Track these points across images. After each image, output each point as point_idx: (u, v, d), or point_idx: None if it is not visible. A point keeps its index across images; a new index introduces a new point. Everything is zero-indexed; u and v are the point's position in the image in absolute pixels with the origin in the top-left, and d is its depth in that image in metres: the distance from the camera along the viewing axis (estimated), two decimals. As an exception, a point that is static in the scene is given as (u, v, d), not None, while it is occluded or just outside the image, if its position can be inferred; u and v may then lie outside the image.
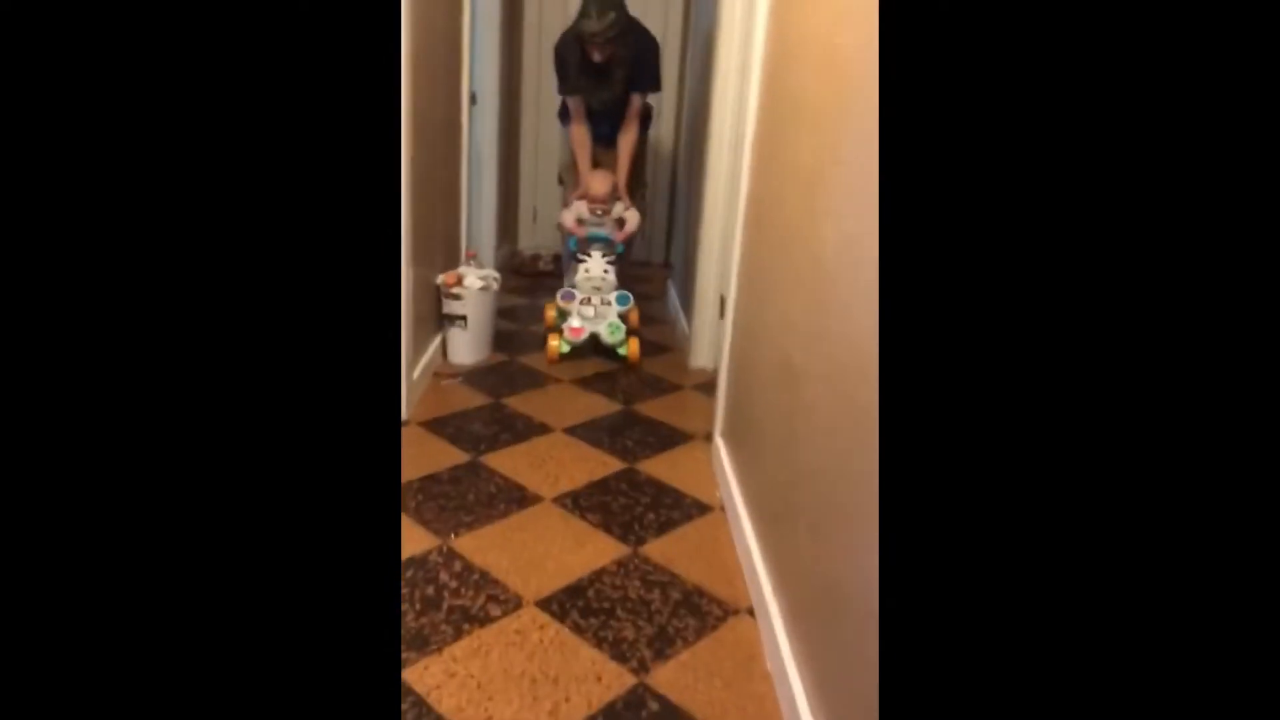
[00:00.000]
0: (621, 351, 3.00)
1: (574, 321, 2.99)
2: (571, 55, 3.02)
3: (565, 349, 2.99)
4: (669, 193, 4.59)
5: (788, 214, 1.62)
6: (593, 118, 3.21)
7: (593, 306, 2.99)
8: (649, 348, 3.21)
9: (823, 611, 1.25)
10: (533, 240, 4.68)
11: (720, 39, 2.75)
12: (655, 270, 4.53)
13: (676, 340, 3.35)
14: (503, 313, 3.54)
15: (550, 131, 4.48)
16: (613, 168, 3.20)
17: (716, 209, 2.81)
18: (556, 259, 4.14)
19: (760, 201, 1.93)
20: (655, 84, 3.16)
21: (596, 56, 2.92)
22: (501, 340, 3.16)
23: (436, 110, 2.68)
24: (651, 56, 3.08)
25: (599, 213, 3.08)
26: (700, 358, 3.05)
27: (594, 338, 2.98)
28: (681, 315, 3.39)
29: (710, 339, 2.94)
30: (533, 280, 4.18)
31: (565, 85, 3.13)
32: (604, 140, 3.25)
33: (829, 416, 1.26)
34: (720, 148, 2.78)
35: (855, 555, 1.09)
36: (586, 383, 2.86)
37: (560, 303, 3.02)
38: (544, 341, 3.12)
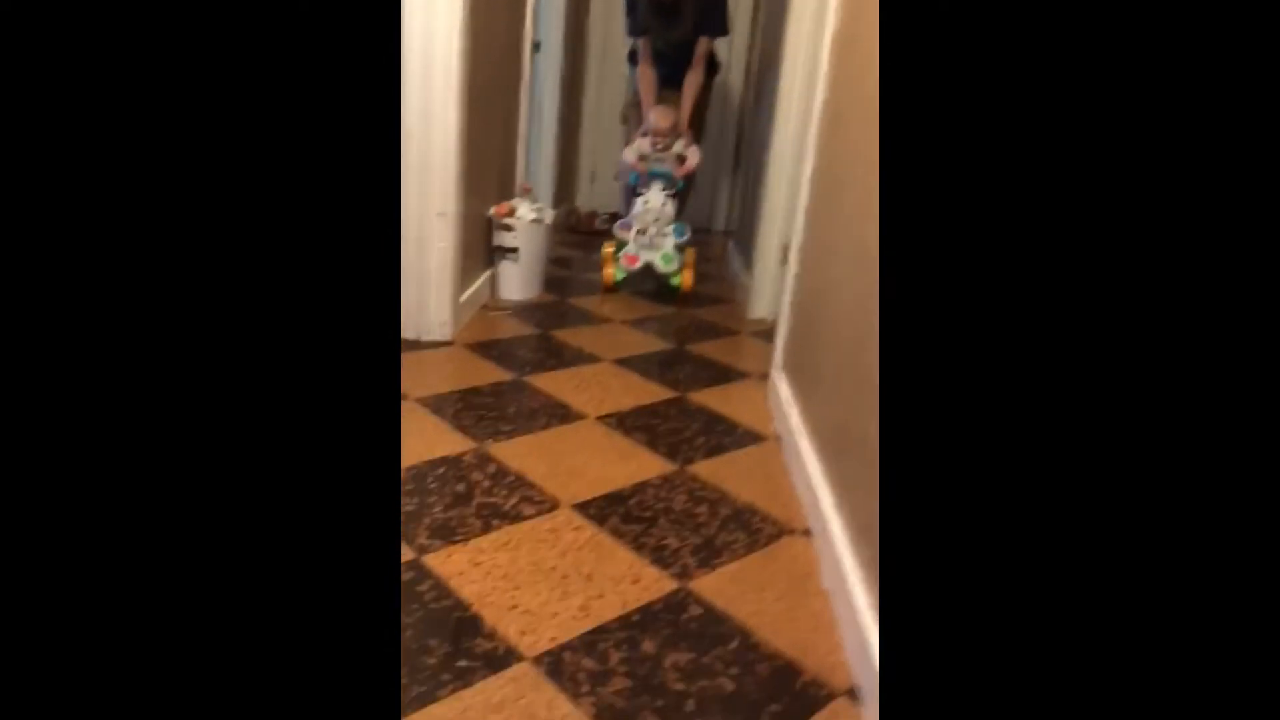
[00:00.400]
0: (675, 281, 3.01)
1: (630, 249, 2.99)
2: None
3: (620, 275, 3.02)
4: (733, 160, 4.45)
5: (861, 146, 1.47)
6: (659, 60, 3.26)
7: (648, 236, 2.98)
8: (706, 299, 3.12)
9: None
10: (589, 202, 4.57)
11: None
12: (717, 237, 4.40)
13: (736, 294, 3.22)
14: (557, 261, 3.47)
15: (613, 88, 4.39)
16: (677, 106, 3.21)
17: (784, 159, 2.67)
18: (613, 217, 4.05)
19: (826, 169, 1.78)
20: (723, 28, 3.20)
21: None
22: (554, 284, 3.06)
23: (494, 52, 2.59)
24: (719, 1, 3.14)
25: (660, 147, 3.06)
26: (760, 308, 2.90)
27: (649, 268, 2.99)
28: (742, 270, 3.28)
29: (771, 290, 2.80)
30: (588, 237, 4.08)
31: (635, 25, 3.20)
32: (670, 82, 3.28)
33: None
34: (790, 97, 2.63)
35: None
36: (640, 324, 2.73)
37: (618, 232, 3.03)
38: (598, 286, 3.09)
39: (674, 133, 3.09)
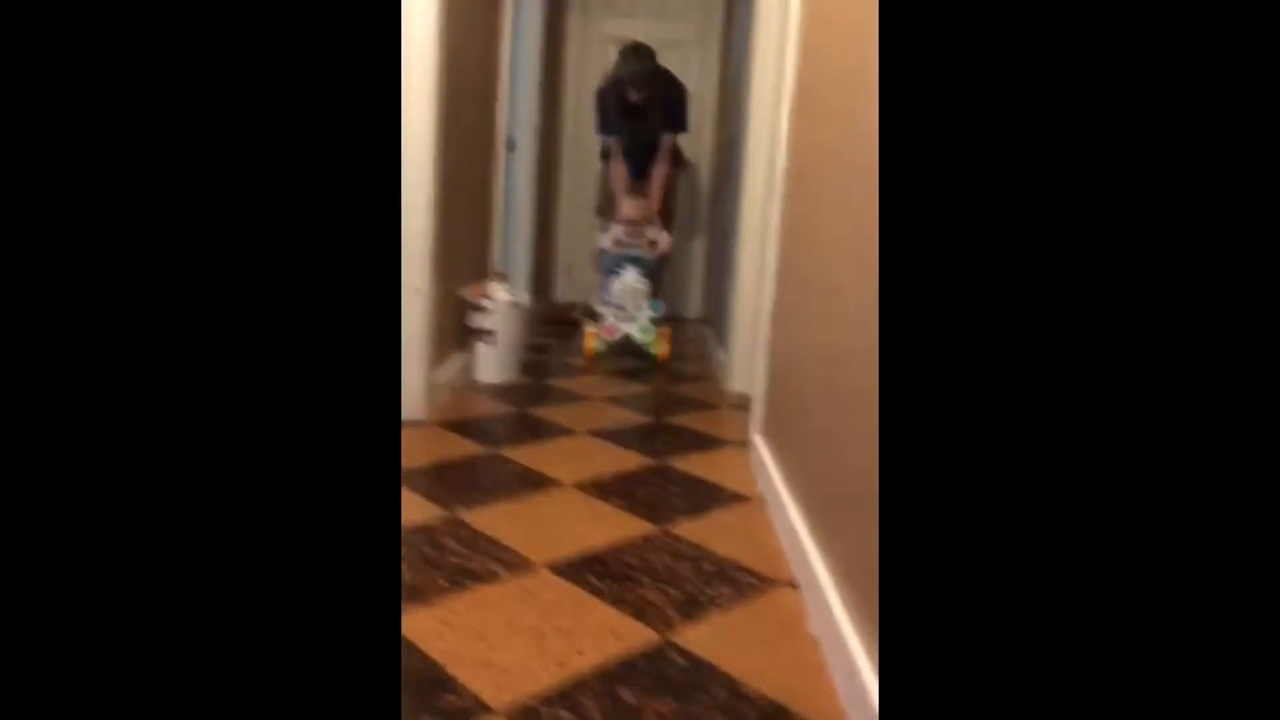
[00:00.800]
0: (653, 351, 3.25)
1: (609, 322, 3.26)
2: (611, 99, 3.45)
3: (601, 347, 3.26)
4: (705, 250, 4.55)
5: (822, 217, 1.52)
6: (628, 157, 3.55)
7: (626, 311, 3.26)
8: (684, 377, 3.14)
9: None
10: (566, 294, 4.63)
11: (753, 90, 2.75)
12: (691, 324, 4.44)
13: (713, 372, 3.23)
14: (534, 348, 3.48)
15: (585, 187, 4.52)
16: (647, 198, 3.47)
17: (752, 231, 2.73)
18: (589, 311, 4.12)
19: (791, 232, 1.84)
20: (683, 125, 3.56)
21: (633, 96, 3.33)
22: (531, 369, 3.06)
23: (468, 145, 2.68)
24: (680, 101, 3.49)
25: (633, 233, 3.37)
26: (737, 382, 2.89)
27: (627, 340, 3.24)
28: (717, 349, 3.31)
29: (746, 364, 2.79)
30: (565, 326, 4.11)
31: (605, 124, 3.55)
32: (639, 175, 3.56)
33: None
34: (754, 166, 2.72)
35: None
36: (618, 400, 2.71)
37: (598, 307, 3.34)
38: (576, 370, 3.13)
39: (645, 221, 3.39)
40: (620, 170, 3.55)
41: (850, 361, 1.27)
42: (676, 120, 3.49)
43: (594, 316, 3.37)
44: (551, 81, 4.31)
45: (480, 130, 2.86)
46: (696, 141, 4.41)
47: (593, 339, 3.25)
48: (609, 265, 3.40)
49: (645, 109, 3.39)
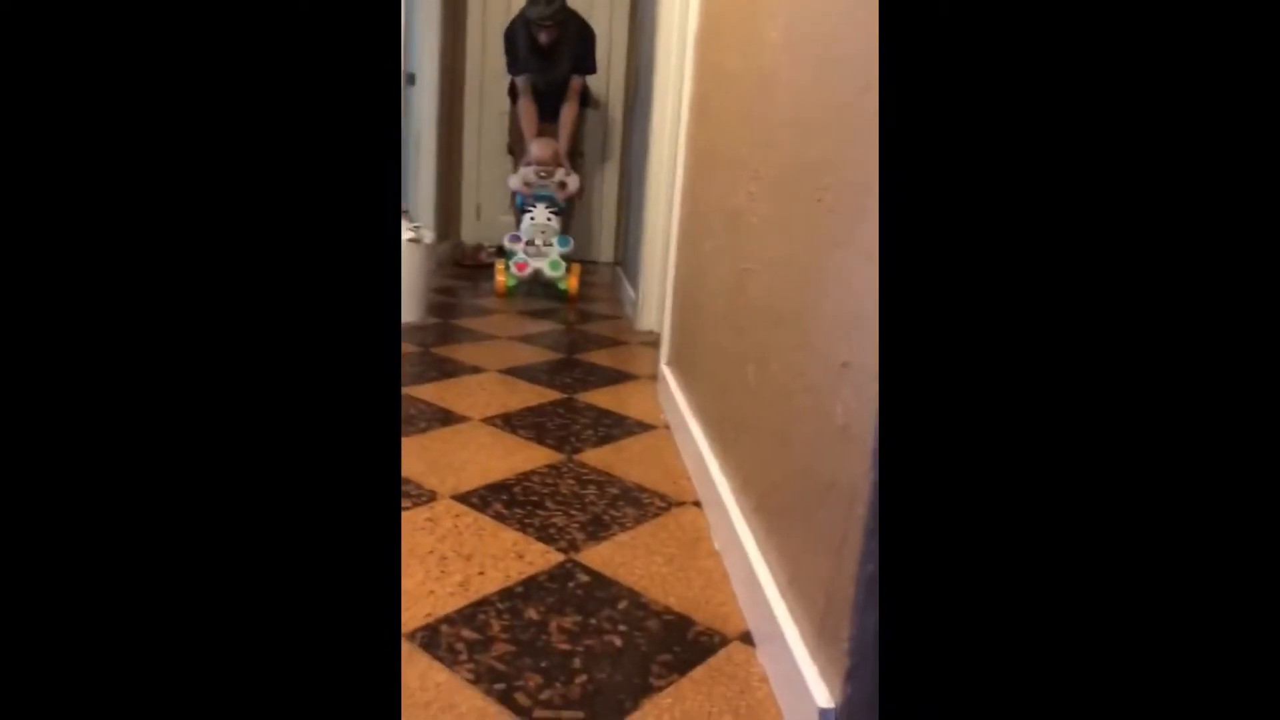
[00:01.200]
0: (562, 286, 3.32)
1: (519, 258, 3.30)
2: (521, 38, 3.40)
3: (512, 282, 3.32)
4: (617, 191, 4.51)
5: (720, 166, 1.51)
6: (539, 97, 3.52)
7: (536, 247, 3.30)
8: (595, 316, 3.12)
9: (790, 494, 1.06)
10: (475, 236, 4.53)
11: (659, 24, 2.69)
12: (604, 268, 4.42)
13: (624, 312, 3.23)
14: (442, 290, 3.40)
15: (493, 125, 4.39)
16: (555, 138, 3.46)
17: (660, 167, 2.71)
18: (499, 250, 4.06)
19: (695, 162, 1.82)
20: (592, 67, 3.59)
21: (543, 38, 3.31)
22: (438, 310, 2.99)
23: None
24: (590, 43, 3.52)
25: (543, 175, 3.37)
26: (648, 320, 2.90)
27: (537, 275, 3.29)
28: (629, 289, 3.31)
29: (657, 302, 2.80)
30: (475, 270, 4.02)
31: (514, 65, 3.50)
32: (548, 115, 3.53)
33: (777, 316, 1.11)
34: (663, 108, 2.69)
35: (836, 447, 0.93)
36: (528, 339, 2.68)
37: (507, 244, 3.36)
38: (485, 310, 3.10)
39: (555, 161, 3.41)
40: (529, 110, 3.52)
41: (751, 281, 1.28)
42: (585, 63, 3.51)
43: (505, 255, 3.37)
44: (454, 14, 4.14)
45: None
46: (605, 82, 4.34)
47: (503, 275, 3.32)
48: (519, 204, 3.43)
49: (555, 50, 3.40)
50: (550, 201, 3.36)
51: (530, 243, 3.31)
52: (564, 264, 3.31)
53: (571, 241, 3.40)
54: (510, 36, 3.47)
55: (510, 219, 3.65)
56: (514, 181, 3.45)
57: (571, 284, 3.32)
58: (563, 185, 3.41)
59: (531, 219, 3.33)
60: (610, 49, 4.31)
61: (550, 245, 3.32)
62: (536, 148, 3.41)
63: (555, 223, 3.35)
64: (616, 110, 4.48)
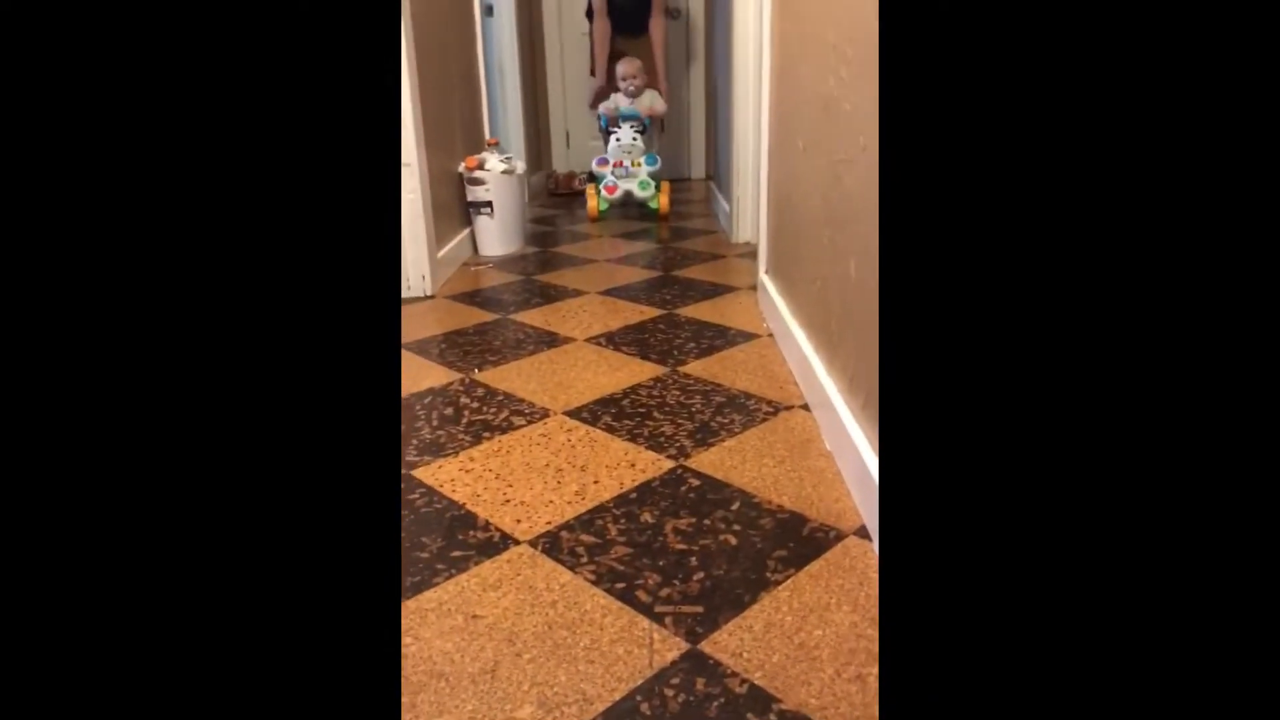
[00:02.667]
0: (653, 205, 3.33)
1: (609, 181, 3.30)
2: None
3: (604, 205, 3.33)
4: (705, 103, 4.39)
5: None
6: (615, 13, 3.43)
7: (625, 168, 3.30)
8: (691, 233, 3.09)
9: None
10: (566, 164, 4.52)
11: None
12: (697, 184, 4.35)
13: (720, 226, 3.18)
14: (540, 220, 3.44)
15: (574, 51, 4.32)
16: (640, 55, 3.41)
17: (747, 81, 2.60)
18: (590, 176, 4.04)
19: (781, 57, 1.73)
20: None
21: None
22: (537, 239, 3.03)
23: (440, 8, 2.54)
24: None
25: (630, 90, 3.36)
26: (744, 233, 2.85)
27: (628, 196, 3.30)
28: (724, 202, 3.24)
29: (752, 213, 2.74)
30: (570, 198, 4.04)
31: None
32: (628, 31, 3.45)
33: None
34: (745, 18, 2.56)
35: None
36: (627, 259, 2.69)
37: (595, 168, 3.35)
38: (583, 236, 3.11)
39: (640, 76, 3.37)
40: (602, 29, 3.46)
41: (847, 172, 1.23)
42: None
43: (595, 179, 3.37)
44: (526, -64, 4.06)
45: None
46: (685, -13, 4.18)
47: (594, 198, 3.31)
48: (604, 125, 3.43)
49: None
50: (636, 120, 3.34)
51: (618, 164, 3.31)
52: (653, 183, 3.30)
53: (659, 159, 3.37)
54: None
55: (600, 143, 3.61)
56: (602, 106, 3.46)
57: (662, 202, 3.31)
58: (650, 109, 3.40)
59: (618, 140, 3.31)
60: (687, -48, 4.13)
61: (639, 165, 3.31)
62: (623, 66, 3.36)
63: (641, 141, 3.33)
64: (699, 17, 4.32)
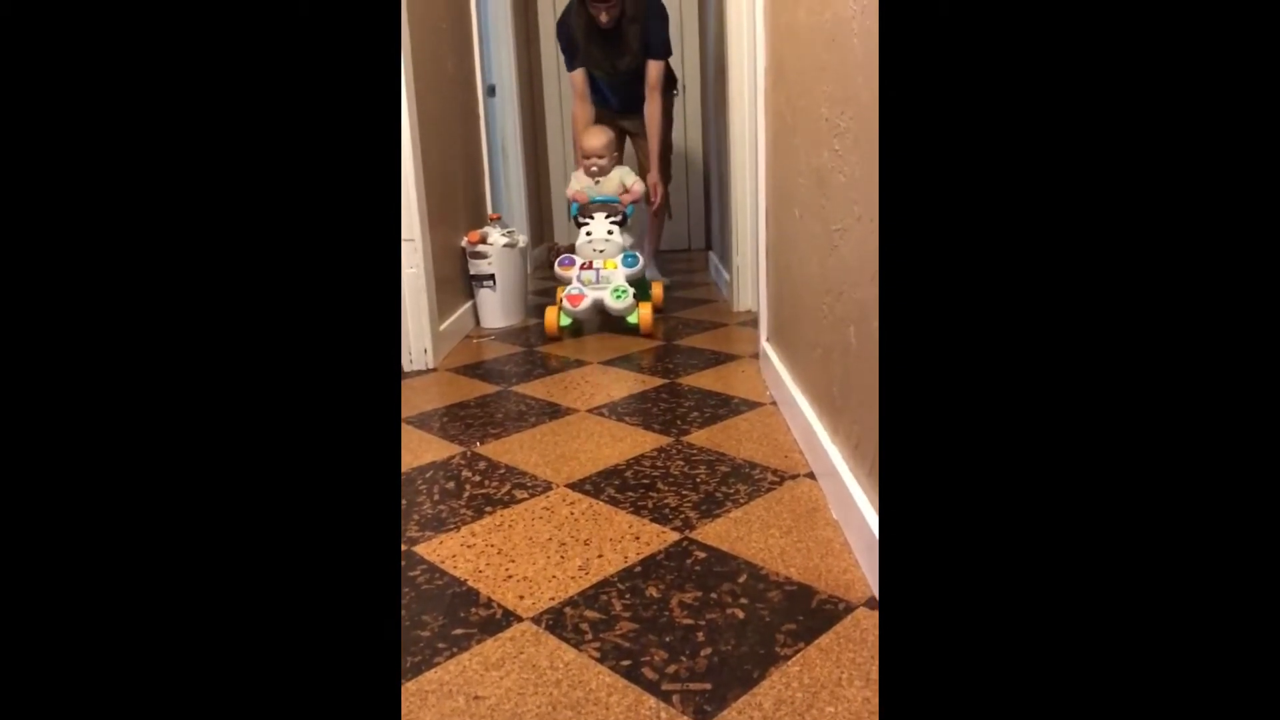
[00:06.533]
0: (631, 320, 2.57)
1: (573, 289, 2.57)
2: (577, 23, 2.91)
3: (565, 321, 2.60)
4: (703, 176, 4.48)
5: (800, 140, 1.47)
6: (610, 91, 3.11)
7: (594, 271, 2.57)
8: (692, 302, 3.09)
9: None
10: (568, 237, 4.59)
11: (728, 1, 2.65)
12: (697, 254, 4.40)
13: (721, 295, 3.20)
14: (541, 293, 3.47)
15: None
16: (630, 134, 3.17)
17: (743, 152, 2.66)
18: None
19: (776, 129, 1.79)
20: (667, 49, 2.99)
21: (603, 18, 2.81)
22: (537, 311, 3.05)
23: (444, 86, 2.63)
24: (660, 20, 2.93)
25: (594, 170, 2.74)
26: (745, 301, 2.87)
27: (598, 307, 2.58)
28: (722, 271, 3.27)
29: (752, 281, 2.77)
30: (571, 270, 4.08)
31: (574, 59, 3.00)
32: (624, 111, 3.16)
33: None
34: (739, 91, 2.63)
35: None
36: (628, 330, 2.70)
37: (558, 269, 2.63)
38: None
39: (608, 151, 2.76)
40: (581, 111, 3.06)
41: (843, 240, 1.25)
42: (657, 44, 2.94)
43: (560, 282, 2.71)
44: (526, 24, 4.22)
45: (458, 71, 2.81)
46: (679, 62, 4.31)
47: (553, 312, 2.57)
48: (573, 213, 2.77)
49: (619, 32, 2.88)
50: (612, 208, 2.69)
51: (586, 266, 2.59)
52: (629, 291, 2.53)
53: (640, 261, 2.64)
54: (564, 25, 2.96)
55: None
56: (569, 188, 2.84)
57: (644, 318, 2.52)
58: (622, 185, 2.74)
59: (588, 235, 2.63)
60: (681, 26, 4.28)
61: (613, 266, 2.59)
62: (587, 137, 2.76)
63: (619, 236, 2.63)
64: (694, 91, 4.45)
